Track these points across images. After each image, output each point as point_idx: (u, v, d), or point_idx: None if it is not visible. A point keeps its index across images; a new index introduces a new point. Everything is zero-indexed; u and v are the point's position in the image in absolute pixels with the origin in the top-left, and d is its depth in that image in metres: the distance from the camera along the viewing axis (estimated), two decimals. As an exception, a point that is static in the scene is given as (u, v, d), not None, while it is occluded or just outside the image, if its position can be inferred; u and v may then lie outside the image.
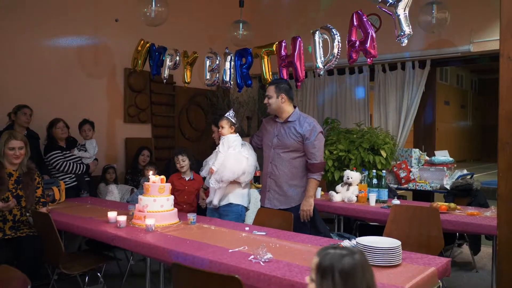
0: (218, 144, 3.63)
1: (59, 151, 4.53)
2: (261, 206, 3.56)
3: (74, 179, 4.62)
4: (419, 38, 5.42)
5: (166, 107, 6.41)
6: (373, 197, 4.06)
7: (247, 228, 2.97)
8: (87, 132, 4.84)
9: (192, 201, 4.16)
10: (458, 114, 22.37)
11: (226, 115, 3.59)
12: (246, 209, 3.67)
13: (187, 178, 4.19)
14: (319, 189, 4.54)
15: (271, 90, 3.43)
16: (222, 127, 3.54)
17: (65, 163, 4.52)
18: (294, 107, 3.49)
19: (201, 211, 3.88)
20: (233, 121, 3.55)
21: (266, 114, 3.63)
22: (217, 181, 3.46)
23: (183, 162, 4.13)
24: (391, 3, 2.83)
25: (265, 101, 3.47)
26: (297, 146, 3.37)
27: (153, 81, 5.94)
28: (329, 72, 6.50)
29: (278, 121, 3.47)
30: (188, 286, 2.02)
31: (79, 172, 4.64)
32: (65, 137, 4.66)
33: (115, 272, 4.23)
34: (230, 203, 3.56)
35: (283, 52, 3.85)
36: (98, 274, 3.44)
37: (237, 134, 3.59)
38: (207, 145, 6.24)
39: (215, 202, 3.54)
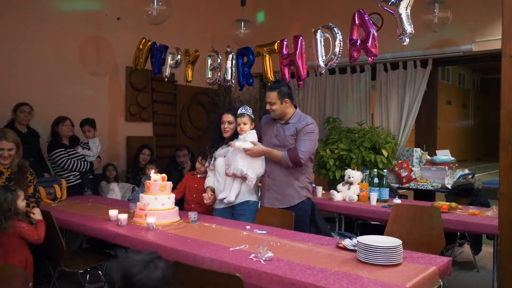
0: (227, 136, 3.51)
1: (63, 149, 4.55)
2: (260, 206, 3.54)
3: (78, 177, 4.64)
4: (421, 37, 5.40)
5: (168, 106, 6.42)
6: (374, 196, 4.06)
7: (248, 227, 2.97)
8: (88, 133, 4.86)
9: (202, 201, 3.72)
10: (459, 113, 22.34)
11: (243, 111, 3.43)
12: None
13: (198, 176, 4.01)
14: (320, 188, 4.54)
15: (273, 97, 3.35)
16: (245, 124, 3.39)
17: (69, 161, 4.54)
18: (295, 107, 3.48)
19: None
20: (253, 117, 3.46)
21: (267, 113, 3.59)
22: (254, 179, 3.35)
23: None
24: (393, 2, 2.82)
25: (268, 107, 3.39)
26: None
27: (155, 80, 5.94)
28: (331, 71, 6.49)
29: (279, 122, 3.45)
30: (189, 284, 2.03)
31: (83, 170, 4.66)
32: (70, 135, 4.70)
33: (116, 270, 4.23)
34: (248, 201, 3.43)
35: (284, 51, 3.85)
36: (99, 272, 3.45)
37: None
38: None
39: (232, 198, 3.37)
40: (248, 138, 3.37)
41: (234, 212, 3.47)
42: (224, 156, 3.48)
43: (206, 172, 3.82)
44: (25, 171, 3.47)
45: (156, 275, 1.69)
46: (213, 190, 3.58)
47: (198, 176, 4.01)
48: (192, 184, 4.00)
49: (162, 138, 6.34)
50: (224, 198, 3.41)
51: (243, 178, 3.37)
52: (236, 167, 3.31)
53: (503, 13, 2.03)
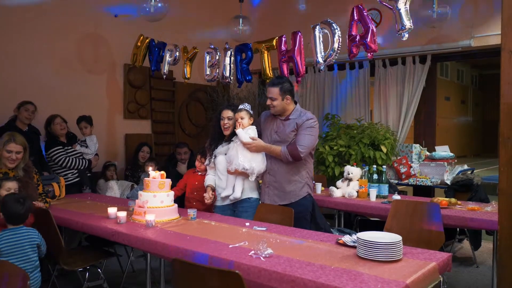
0: (226, 133, 3.48)
1: (61, 147, 4.53)
2: (260, 202, 3.52)
3: (76, 174, 4.63)
4: (419, 33, 5.38)
5: (166, 103, 6.41)
6: (373, 192, 4.06)
7: (247, 224, 2.97)
8: (84, 129, 4.84)
9: (203, 199, 3.64)
10: (458, 109, 22.35)
11: (241, 107, 3.41)
12: None
13: (199, 173, 4.00)
14: (319, 184, 4.54)
15: (275, 93, 3.30)
16: (242, 118, 3.36)
17: (67, 158, 4.52)
18: (295, 103, 3.46)
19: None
20: (251, 112, 3.43)
21: (266, 109, 3.58)
22: (256, 175, 3.34)
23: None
24: (391, -3, 2.82)
25: (268, 102, 3.36)
26: None
27: (153, 77, 5.93)
28: (329, 67, 6.49)
29: (279, 118, 3.43)
30: (189, 282, 2.02)
31: (82, 168, 4.64)
32: (65, 133, 4.66)
33: (115, 268, 4.24)
34: (249, 198, 3.42)
35: (283, 47, 3.83)
36: (99, 270, 3.44)
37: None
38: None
39: (238, 194, 3.34)
40: (249, 133, 3.36)
41: (235, 209, 3.45)
42: (225, 154, 3.45)
43: (206, 170, 3.81)
44: (30, 171, 3.47)
45: (17, 207, 2.72)
46: (213, 189, 3.56)
47: (199, 173, 4.00)
48: (193, 182, 3.98)
49: (160, 135, 6.34)
50: (227, 196, 3.38)
51: (245, 174, 3.35)
52: (237, 163, 3.30)
53: (502, 8, 2.02)
